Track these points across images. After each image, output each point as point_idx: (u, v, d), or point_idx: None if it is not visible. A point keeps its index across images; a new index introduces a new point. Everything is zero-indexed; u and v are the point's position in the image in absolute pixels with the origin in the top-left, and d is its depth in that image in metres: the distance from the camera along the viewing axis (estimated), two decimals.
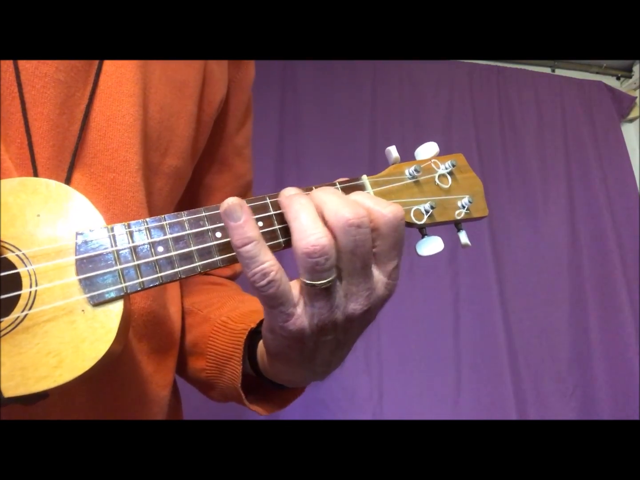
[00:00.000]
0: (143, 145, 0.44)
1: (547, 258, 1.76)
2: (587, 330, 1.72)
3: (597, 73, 2.07)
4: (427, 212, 0.44)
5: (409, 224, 0.44)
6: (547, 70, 2.01)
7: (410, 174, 0.45)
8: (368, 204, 0.36)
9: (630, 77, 2.09)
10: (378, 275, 0.37)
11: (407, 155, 0.47)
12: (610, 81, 2.08)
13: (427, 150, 0.47)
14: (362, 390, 1.49)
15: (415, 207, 0.44)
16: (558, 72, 2.02)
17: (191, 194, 0.59)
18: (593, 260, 1.78)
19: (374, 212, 0.35)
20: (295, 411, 1.43)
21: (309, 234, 0.33)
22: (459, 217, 0.47)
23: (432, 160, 0.47)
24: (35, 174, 0.38)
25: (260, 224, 0.37)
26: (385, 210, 0.35)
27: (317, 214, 0.34)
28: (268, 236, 0.37)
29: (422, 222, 0.45)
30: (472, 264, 1.64)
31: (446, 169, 0.47)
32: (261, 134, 1.40)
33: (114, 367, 0.41)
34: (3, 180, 0.33)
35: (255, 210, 0.37)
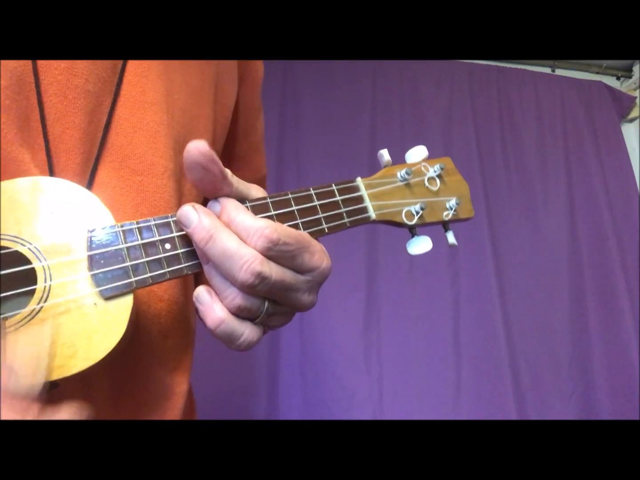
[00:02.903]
0: (171, 149, 0.46)
1: (547, 258, 1.76)
2: (587, 330, 1.72)
3: (597, 73, 2.07)
4: (417, 213, 0.47)
5: (400, 225, 0.47)
6: (547, 70, 2.01)
7: (401, 177, 0.47)
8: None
9: (630, 77, 2.09)
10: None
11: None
12: (610, 81, 2.08)
13: (417, 153, 0.50)
14: (362, 390, 1.49)
15: (406, 208, 0.47)
16: (558, 72, 2.02)
17: None
18: (593, 260, 1.78)
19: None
20: (295, 411, 1.43)
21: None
22: (446, 218, 0.49)
23: (422, 164, 0.49)
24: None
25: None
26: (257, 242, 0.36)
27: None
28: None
29: (412, 222, 0.47)
30: (472, 264, 1.64)
31: (435, 172, 0.49)
32: None
33: (138, 363, 0.43)
34: (17, 179, 0.35)
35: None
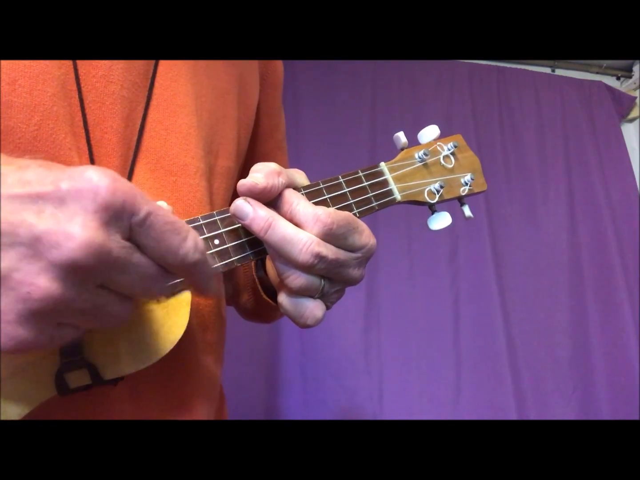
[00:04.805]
0: (201, 149, 0.48)
1: (547, 258, 1.76)
2: (587, 330, 1.72)
3: (597, 73, 2.07)
4: (437, 191, 0.49)
5: (423, 203, 0.49)
6: (547, 70, 2.01)
7: (419, 158, 0.50)
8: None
9: (630, 77, 2.09)
10: None
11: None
12: (610, 81, 2.08)
13: (430, 133, 0.52)
14: (362, 390, 1.49)
15: (427, 188, 0.49)
16: (558, 72, 2.02)
17: None
18: (593, 260, 1.78)
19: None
20: (295, 411, 1.43)
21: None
22: (463, 194, 0.51)
23: (437, 143, 0.51)
24: None
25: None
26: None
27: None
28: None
29: (434, 200, 0.49)
30: (472, 264, 1.64)
31: (449, 150, 0.51)
32: None
33: (182, 357, 0.44)
34: None
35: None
